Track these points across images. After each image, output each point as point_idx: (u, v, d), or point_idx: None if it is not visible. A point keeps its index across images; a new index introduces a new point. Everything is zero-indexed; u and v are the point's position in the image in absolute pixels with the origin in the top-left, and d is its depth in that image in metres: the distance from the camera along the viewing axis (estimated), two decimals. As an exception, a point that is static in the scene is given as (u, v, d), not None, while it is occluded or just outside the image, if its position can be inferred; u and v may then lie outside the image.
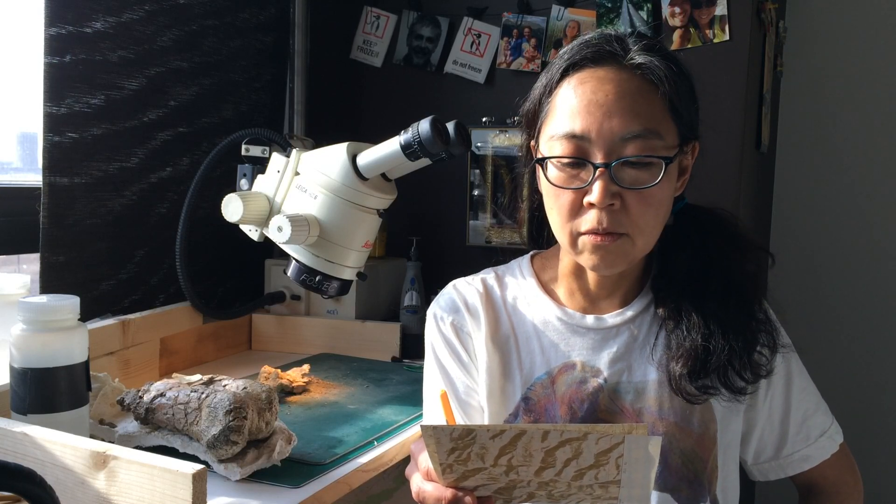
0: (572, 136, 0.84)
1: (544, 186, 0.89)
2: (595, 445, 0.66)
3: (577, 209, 0.85)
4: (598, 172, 0.83)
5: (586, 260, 0.88)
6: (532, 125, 0.92)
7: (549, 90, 0.89)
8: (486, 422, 0.96)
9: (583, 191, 0.84)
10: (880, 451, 2.23)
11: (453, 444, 0.66)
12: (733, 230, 0.95)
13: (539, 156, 0.89)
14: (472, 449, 0.66)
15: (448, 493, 0.70)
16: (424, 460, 0.73)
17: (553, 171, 0.86)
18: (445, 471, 0.69)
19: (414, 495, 0.76)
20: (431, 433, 0.65)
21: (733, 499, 0.95)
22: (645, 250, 0.89)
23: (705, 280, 0.91)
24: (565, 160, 0.85)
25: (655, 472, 0.67)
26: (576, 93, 0.85)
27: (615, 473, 0.68)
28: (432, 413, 1.01)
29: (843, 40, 2.21)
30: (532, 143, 0.93)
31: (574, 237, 0.87)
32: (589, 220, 0.84)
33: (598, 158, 0.83)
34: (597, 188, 0.83)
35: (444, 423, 0.79)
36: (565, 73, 0.87)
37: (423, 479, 0.74)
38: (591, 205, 0.84)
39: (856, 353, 2.26)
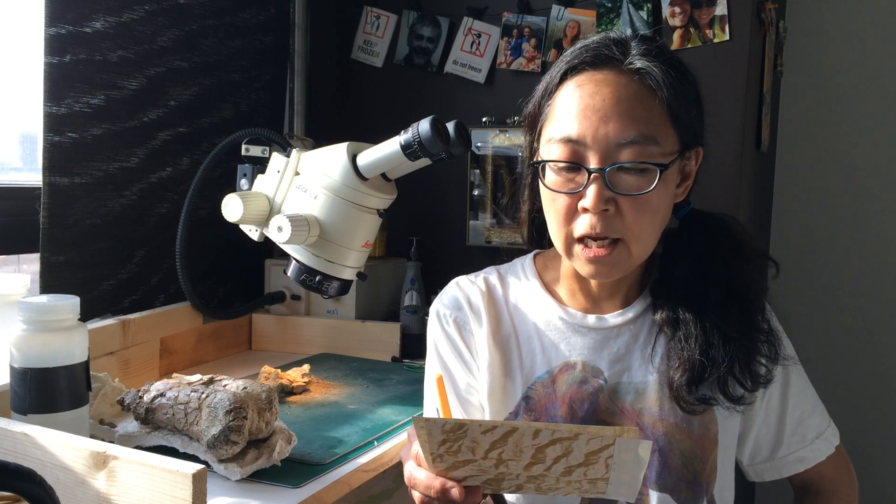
0: (568, 141, 0.84)
1: (542, 190, 0.89)
2: (586, 445, 0.66)
3: (572, 213, 0.85)
4: (592, 177, 0.82)
5: (581, 268, 0.88)
6: (533, 127, 0.92)
7: (549, 93, 0.89)
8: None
9: (578, 195, 0.84)
10: (881, 453, 2.22)
11: (445, 436, 0.66)
12: (738, 237, 0.94)
13: (538, 158, 0.89)
14: (463, 442, 0.67)
15: (437, 482, 0.71)
16: (416, 447, 0.73)
17: (550, 175, 0.86)
18: (436, 460, 0.69)
19: (406, 480, 0.77)
20: (423, 425, 0.66)
21: (729, 498, 0.95)
22: (642, 257, 0.88)
23: (705, 290, 0.90)
24: (561, 164, 0.85)
25: (643, 472, 0.68)
26: (573, 96, 0.85)
27: (604, 471, 0.68)
28: (431, 406, 1.01)
29: (843, 40, 2.21)
30: (534, 145, 0.93)
31: (569, 243, 0.87)
32: (583, 224, 0.84)
33: (594, 163, 0.82)
34: (590, 193, 0.82)
35: (439, 407, 0.80)
36: (564, 76, 0.87)
37: (415, 466, 0.75)
38: (586, 209, 0.83)
39: (855, 354, 2.25)
